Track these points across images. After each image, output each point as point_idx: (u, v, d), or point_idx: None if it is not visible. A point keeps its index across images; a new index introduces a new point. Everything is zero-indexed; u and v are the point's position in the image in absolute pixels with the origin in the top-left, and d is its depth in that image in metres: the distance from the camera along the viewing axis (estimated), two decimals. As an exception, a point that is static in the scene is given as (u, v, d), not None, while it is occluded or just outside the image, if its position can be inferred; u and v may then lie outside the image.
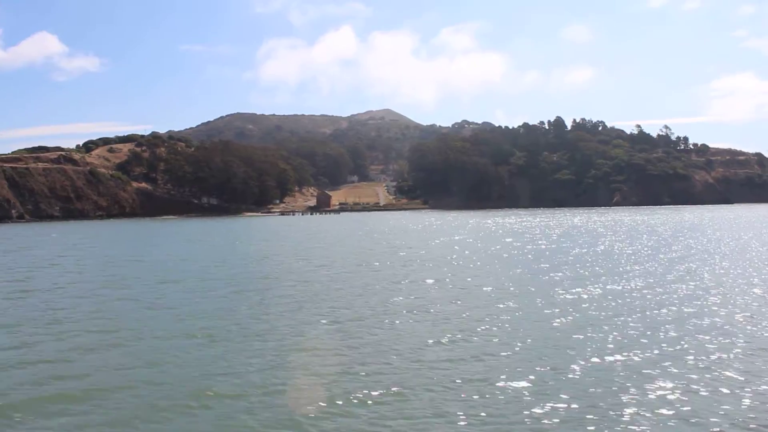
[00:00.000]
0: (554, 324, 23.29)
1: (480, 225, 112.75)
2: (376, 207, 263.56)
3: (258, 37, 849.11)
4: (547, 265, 43.20)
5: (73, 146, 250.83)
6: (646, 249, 56.31)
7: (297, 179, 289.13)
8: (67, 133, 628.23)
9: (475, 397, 14.99)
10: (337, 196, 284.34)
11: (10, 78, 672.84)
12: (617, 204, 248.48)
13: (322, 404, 14.55)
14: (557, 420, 13.61)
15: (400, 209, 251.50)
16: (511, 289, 32.21)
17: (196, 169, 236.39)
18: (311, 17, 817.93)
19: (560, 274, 38.31)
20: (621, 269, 40.49)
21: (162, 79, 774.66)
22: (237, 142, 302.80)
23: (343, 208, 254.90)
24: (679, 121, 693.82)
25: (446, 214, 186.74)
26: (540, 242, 67.44)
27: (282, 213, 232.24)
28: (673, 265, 42.60)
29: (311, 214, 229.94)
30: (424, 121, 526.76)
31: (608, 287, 32.44)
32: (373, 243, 71.61)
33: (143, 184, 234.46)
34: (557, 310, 26.17)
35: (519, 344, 20.05)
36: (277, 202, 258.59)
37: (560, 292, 30.93)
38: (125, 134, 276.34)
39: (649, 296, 29.38)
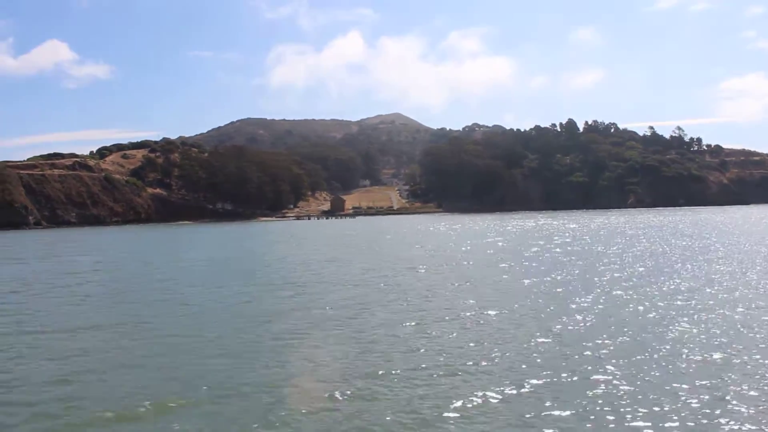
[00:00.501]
0: (641, 320, 23.31)
1: (503, 228, 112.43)
2: (390, 211, 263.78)
3: (267, 43, 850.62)
4: (601, 266, 43.07)
5: (83, 153, 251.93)
6: (683, 249, 56.08)
7: (310, 184, 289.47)
8: (77, 139, 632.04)
9: (606, 394, 14.87)
10: (350, 200, 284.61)
11: (21, 86, 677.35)
12: (632, 206, 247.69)
13: (461, 403, 14.47)
14: (691, 413, 13.57)
15: (414, 213, 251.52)
16: (577, 287, 32.06)
17: (210, 174, 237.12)
18: (320, 23, 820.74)
19: (617, 274, 38.20)
20: (673, 269, 40.33)
21: (171, 85, 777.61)
22: (250, 147, 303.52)
23: (358, 212, 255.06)
24: (689, 122, 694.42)
25: (462, 218, 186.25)
26: (575, 245, 67.20)
27: (297, 218, 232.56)
28: (716, 265, 42.38)
29: (326, 218, 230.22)
30: (433, 125, 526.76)
31: (670, 286, 32.41)
32: (407, 246, 71.40)
33: (158, 190, 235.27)
34: (639, 307, 26.27)
35: (621, 341, 19.97)
36: (291, 206, 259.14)
37: (628, 290, 30.89)
38: (136, 140, 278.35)
39: (717, 295, 29.17)
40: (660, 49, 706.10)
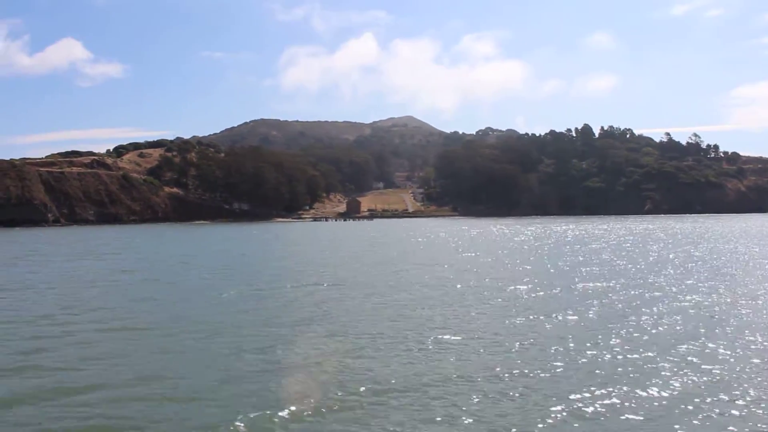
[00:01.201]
0: (737, 322, 23.72)
1: (533, 232, 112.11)
2: (406, 214, 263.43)
3: (280, 44, 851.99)
4: (672, 270, 42.88)
5: (97, 151, 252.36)
6: (727, 254, 55.88)
7: (325, 186, 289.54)
8: (89, 138, 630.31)
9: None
10: (364, 203, 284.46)
11: (36, 83, 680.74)
12: (649, 212, 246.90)
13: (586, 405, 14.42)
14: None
15: (430, 216, 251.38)
16: (651, 291, 31.94)
17: (226, 174, 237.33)
18: (333, 25, 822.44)
19: (683, 278, 38.03)
20: (733, 273, 40.24)
21: (184, 85, 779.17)
22: (266, 148, 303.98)
23: (373, 214, 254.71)
24: (700, 129, 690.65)
25: (481, 222, 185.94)
26: (620, 251, 66.90)
27: (315, 219, 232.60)
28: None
29: (344, 220, 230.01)
30: (445, 128, 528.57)
31: (743, 289, 32.81)
32: (451, 250, 70.88)
33: (174, 189, 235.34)
34: (727, 310, 26.74)
35: (731, 344, 20.01)
36: (307, 208, 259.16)
37: (704, 293, 31.02)
38: (150, 139, 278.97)
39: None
40: (673, 55, 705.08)
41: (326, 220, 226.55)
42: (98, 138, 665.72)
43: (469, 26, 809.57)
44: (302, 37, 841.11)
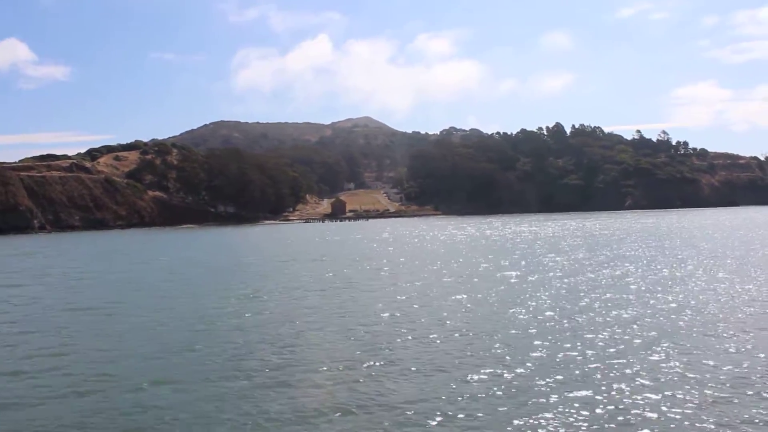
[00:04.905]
0: None
1: (536, 231, 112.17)
2: (388, 214, 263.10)
3: (233, 46, 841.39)
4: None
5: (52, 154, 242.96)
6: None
7: (305, 187, 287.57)
8: (34, 142, 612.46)
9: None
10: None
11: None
12: (629, 208, 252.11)
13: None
14: None
15: (413, 215, 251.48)
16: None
17: (210, 176, 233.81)
18: (287, 26, 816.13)
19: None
20: None
21: (133, 87, 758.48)
22: (246, 151, 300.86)
23: (358, 215, 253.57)
24: (643, 127, 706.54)
25: (469, 220, 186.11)
26: (645, 245, 68.08)
27: (306, 221, 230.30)
28: None
29: (340, 221, 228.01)
30: (399, 128, 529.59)
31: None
32: (489, 250, 69.53)
33: (157, 193, 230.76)
34: None
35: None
36: (291, 209, 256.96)
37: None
38: (102, 144, 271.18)
39: None
40: (620, 56, 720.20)
41: (323, 221, 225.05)
42: (44, 143, 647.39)
43: (425, 26, 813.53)
44: (255, 39, 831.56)
